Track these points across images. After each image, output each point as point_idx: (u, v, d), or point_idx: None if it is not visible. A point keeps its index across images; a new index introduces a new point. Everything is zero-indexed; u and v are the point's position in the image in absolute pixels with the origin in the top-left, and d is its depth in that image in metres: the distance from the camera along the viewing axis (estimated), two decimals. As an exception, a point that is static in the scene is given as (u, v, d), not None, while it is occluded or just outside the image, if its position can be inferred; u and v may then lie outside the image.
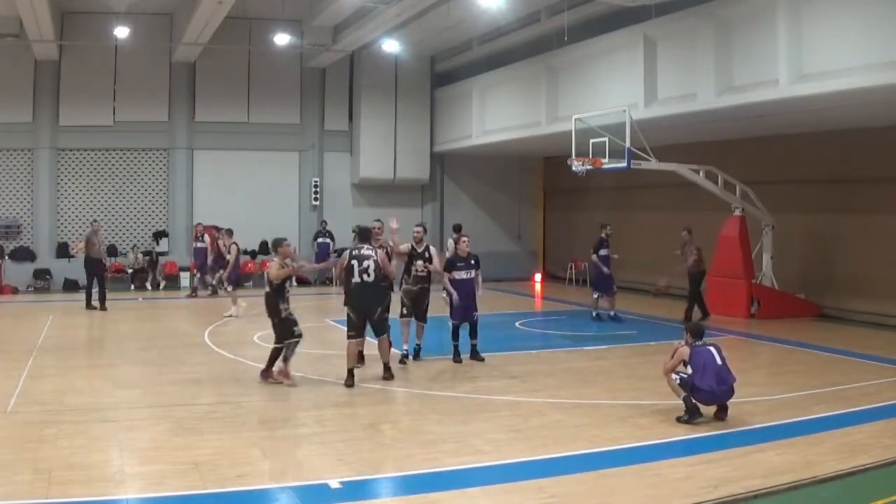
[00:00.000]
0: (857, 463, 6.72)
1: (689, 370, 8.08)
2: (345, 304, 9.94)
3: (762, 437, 7.51)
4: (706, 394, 7.97)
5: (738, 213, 16.46)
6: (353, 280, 9.71)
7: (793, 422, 8.10)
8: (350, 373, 9.78)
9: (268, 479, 6.49)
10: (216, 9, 17.03)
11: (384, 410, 8.75)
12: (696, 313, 15.60)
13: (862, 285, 15.84)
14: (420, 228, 11.46)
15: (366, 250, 9.82)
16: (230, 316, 15.85)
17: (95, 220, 19.45)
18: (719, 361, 8.07)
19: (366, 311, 9.79)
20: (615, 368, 11.23)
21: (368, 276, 9.68)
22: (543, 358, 11.91)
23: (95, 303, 17.15)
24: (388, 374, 10.06)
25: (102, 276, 17.54)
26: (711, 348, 8.19)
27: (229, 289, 16.43)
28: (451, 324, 11.47)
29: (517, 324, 15.56)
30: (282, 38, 20.34)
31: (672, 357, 8.27)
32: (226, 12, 17.55)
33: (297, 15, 20.94)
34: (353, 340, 9.84)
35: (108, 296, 17.36)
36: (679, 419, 8.01)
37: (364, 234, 10.10)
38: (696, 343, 8.25)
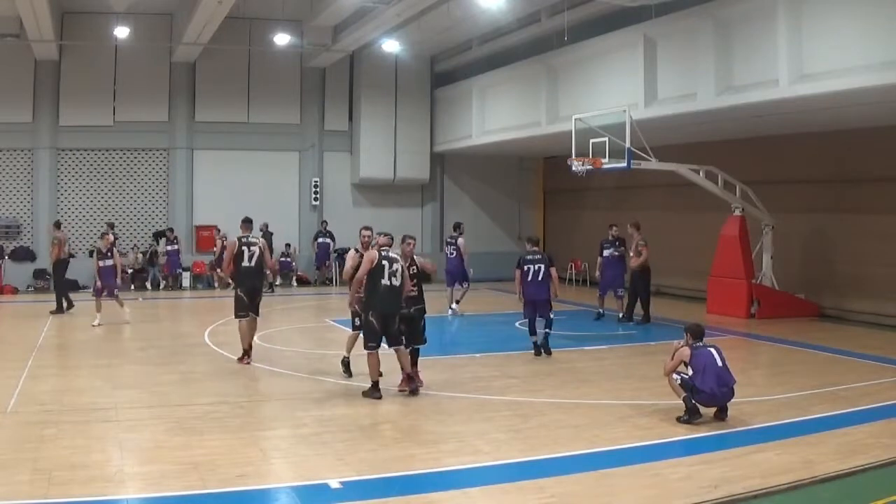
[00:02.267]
0: (857, 463, 6.72)
1: (690, 371, 8.08)
2: (364, 308, 9.31)
3: (762, 437, 7.51)
4: (706, 395, 7.97)
5: (738, 213, 16.46)
6: (382, 282, 9.12)
7: (793, 422, 8.10)
8: (376, 385, 9.19)
9: (268, 479, 6.48)
10: (216, 9, 17.03)
11: (384, 410, 8.74)
12: (697, 315, 15.59)
13: (862, 285, 15.83)
14: (368, 232, 10.26)
15: (394, 253, 9.35)
16: (126, 322, 14.87)
17: (57, 221, 19.25)
18: (720, 363, 8.06)
19: (390, 318, 9.22)
20: (615, 368, 11.23)
21: (396, 279, 9.18)
22: (543, 358, 11.90)
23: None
24: (410, 386, 9.32)
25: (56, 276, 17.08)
26: (712, 350, 8.18)
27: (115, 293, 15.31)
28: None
29: (517, 324, 15.52)
30: (282, 38, 20.34)
31: (672, 358, 8.26)
32: (226, 12, 17.54)
33: (297, 15, 20.94)
34: (374, 352, 9.15)
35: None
36: (679, 419, 8.01)
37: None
38: (697, 344, 8.24)
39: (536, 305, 12.12)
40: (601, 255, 15.84)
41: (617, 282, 15.75)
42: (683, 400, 8.05)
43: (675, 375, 8.17)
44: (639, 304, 15.59)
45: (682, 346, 8.25)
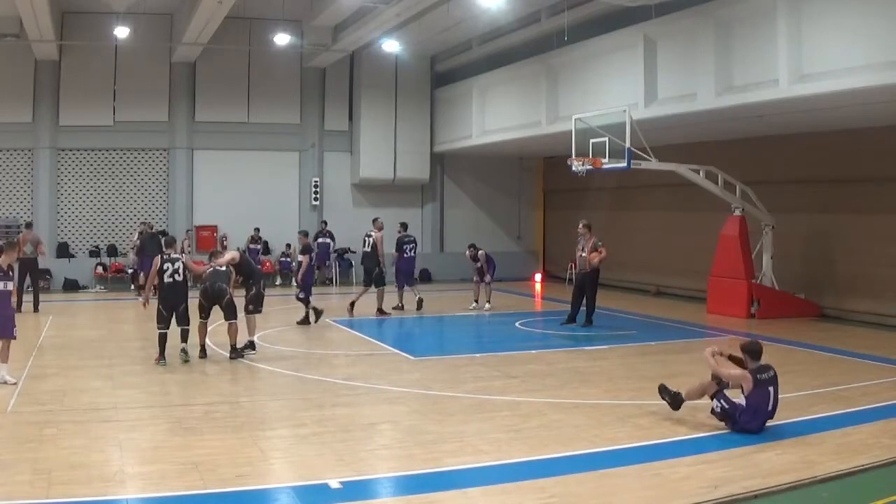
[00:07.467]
0: (857, 463, 6.72)
1: (742, 399, 7.57)
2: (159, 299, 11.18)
3: (762, 437, 7.50)
4: (743, 430, 7.56)
5: (738, 213, 16.46)
6: (166, 279, 11.13)
7: (793, 422, 8.09)
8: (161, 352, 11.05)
9: (268, 479, 6.48)
10: (216, 9, 17.03)
11: (384, 410, 8.73)
12: (697, 314, 15.56)
13: (862, 285, 15.83)
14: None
15: (175, 254, 11.38)
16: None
17: (28, 221, 19.10)
18: (770, 406, 7.60)
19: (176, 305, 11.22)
20: (615, 368, 11.22)
21: (179, 276, 11.18)
22: (543, 358, 11.90)
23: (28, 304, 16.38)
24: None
25: (35, 276, 16.79)
26: (771, 389, 7.63)
27: None
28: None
29: (517, 324, 15.56)
30: (282, 38, 20.32)
31: (731, 370, 7.74)
32: (226, 12, 17.54)
33: (297, 15, 20.94)
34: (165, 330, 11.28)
35: (110, 296, 17.26)
36: (660, 390, 8.21)
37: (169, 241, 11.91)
38: (761, 376, 7.60)
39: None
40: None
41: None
42: (684, 397, 8.03)
43: (715, 403, 7.67)
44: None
45: (745, 373, 7.64)
